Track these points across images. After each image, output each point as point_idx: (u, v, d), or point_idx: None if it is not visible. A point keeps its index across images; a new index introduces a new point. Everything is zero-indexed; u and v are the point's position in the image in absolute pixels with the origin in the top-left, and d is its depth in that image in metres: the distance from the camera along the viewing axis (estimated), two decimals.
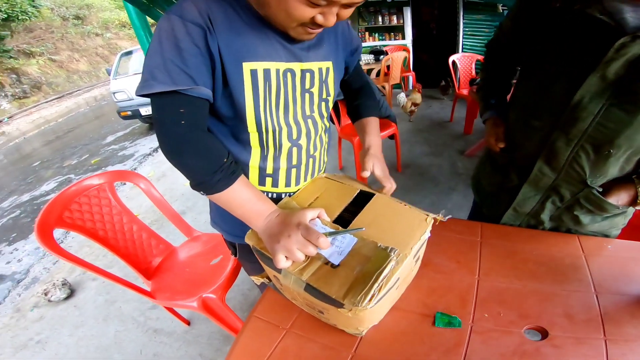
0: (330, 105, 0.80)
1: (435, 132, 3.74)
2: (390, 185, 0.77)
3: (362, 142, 0.83)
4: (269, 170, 0.74)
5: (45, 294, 1.90)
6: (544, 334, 0.62)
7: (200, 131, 0.59)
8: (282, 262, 0.57)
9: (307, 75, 0.69)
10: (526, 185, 0.85)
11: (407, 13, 4.92)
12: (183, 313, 1.66)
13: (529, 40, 0.80)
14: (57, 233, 2.41)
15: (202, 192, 0.61)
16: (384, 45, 5.00)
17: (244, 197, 0.62)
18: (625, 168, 0.75)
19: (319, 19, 0.54)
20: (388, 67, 4.14)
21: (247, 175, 0.73)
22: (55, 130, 6.39)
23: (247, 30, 0.59)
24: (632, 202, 0.78)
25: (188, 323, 1.65)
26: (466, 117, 3.58)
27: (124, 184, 3.14)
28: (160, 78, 0.54)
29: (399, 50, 4.50)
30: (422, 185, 2.72)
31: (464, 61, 3.72)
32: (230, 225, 0.84)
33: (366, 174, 0.76)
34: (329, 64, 0.73)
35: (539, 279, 0.74)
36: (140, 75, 0.57)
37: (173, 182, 3.21)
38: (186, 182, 2.31)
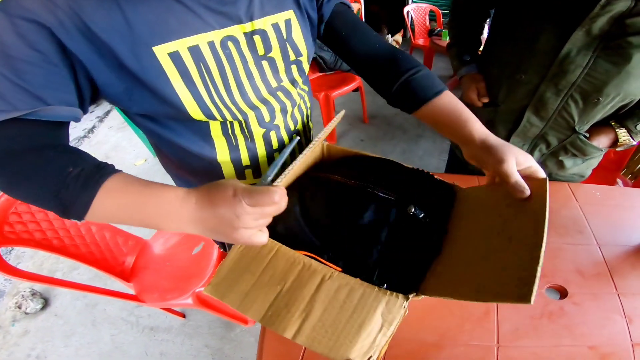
0: (306, 66, 0.63)
1: None
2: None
3: (463, 136, 0.53)
4: (245, 161, 0.61)
5: (19, 307, 1.75)
6: (563, 292, 0.66)
7: (34, 149, 0.40)
8: (259, 239, 0.41)
9: (257, 38, 0.52)
10: (514, 137, 0.89)
11: None
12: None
13: None
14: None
15: (73, 219, 0.41)
16: None
17: (123, 203, 0.39)
18: (608, 113, 0.79)
19: None
20: None
21: (219, 173, 0.60)
22: None
23: (144, 3, 0.41)
24: (613, 145, 0.84)
25: (183, 316, 1.58)
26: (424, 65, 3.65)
27: None
28: None
29: (350, 3, 4.28)
30: (391, 134, 2.75)
31: (418, 12, 3.75)
32: None
33: (527, 191, 0.46)
34: (289, 14, 0.55)
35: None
36: None
37: (120, 163, 2.85)
38: (138, 161, 2.08)
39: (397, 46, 3.95)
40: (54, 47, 0.38)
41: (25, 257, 2.14)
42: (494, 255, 0.45)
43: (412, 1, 4.67)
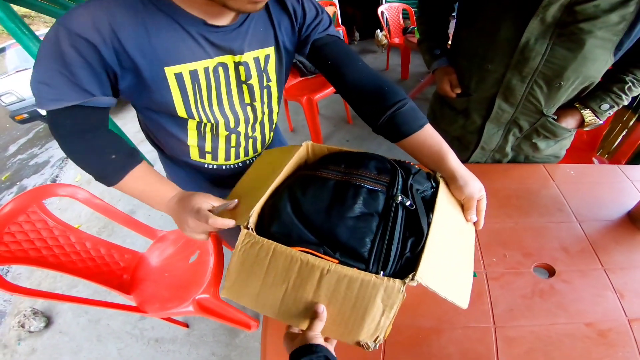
0: (275, 91, 0.76)
1: None
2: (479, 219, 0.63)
3: (441, 170, 0.63)
4: (208, 148, 0.76)
5: (22, 326, 1.72)
6: (551, 271, 0.68)
7: (87, 131, 0.59)
8: (197, 238, 0.60)
9: (241, 68, 0.66)
10: (489, 123, 0.93)
11: None
12: (178, 316, 1.57)
13: None
14: None
15: (108, 185, 0.62)
16: None
17: (139, 188, 0.63)
18: (571, 95, 0.84)
19: None
20: None
21: (187, 152, 0.76)
22: None
23: (165, 31, 0.55)
24: (580, 125, 0.89)
25: (187, 326, 1.57)
26: (401, 64, 3.72)
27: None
28: (49, 94, 0.52)
29: (326, 6, 4.32)
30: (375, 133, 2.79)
31: (391, 11, 3.80)
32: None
33: (474, 218, 0.61)
34: (270, 50, 0.68)
35: (527, 213, 0.80)
36: (30, 78, 0.53)
37: None
38: None
39: (383, 46, 4.04)
40: (97, 58, 0.51)
41: (22, 278, 2.12)
42: (455, 255, 0.56)
43: (386, 1, 4.73)
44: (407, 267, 0.51)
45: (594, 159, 1.46)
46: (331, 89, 2.52)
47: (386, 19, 3.74)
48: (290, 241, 0.54)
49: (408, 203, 0.55)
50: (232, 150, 0.79)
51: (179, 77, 0.59)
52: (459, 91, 0.95)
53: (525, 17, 0.72)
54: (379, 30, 4.39)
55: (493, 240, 0.75)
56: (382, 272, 0.50)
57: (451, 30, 1.01)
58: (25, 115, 3.94)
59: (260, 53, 0.66)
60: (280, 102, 0.83)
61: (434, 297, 0.63)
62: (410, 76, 3.82)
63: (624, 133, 1.44)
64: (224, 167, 0.82)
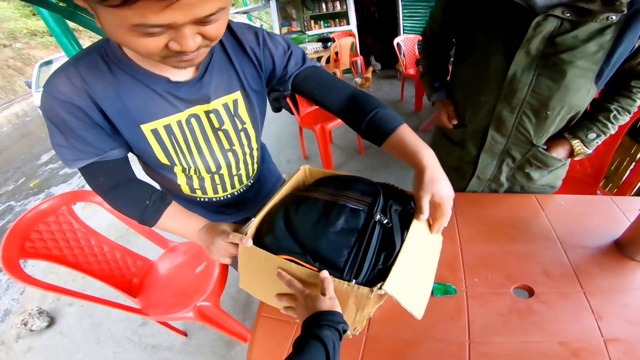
0: (252, 132, 0.78)
1: None
2: (443, 222, 0.64)
3: (413, 166, 0.64)
4: (196, 186, 0.82)
5: (25, 324, 1.78)
6: (531, 292, 0.70)
7: (120, 182, 0.67)
8: (223, 261, 0.69)
9: (212, 116, 0.69)
10: (483, 154, 0.96)
11: None
12: (178, 324, 1.62)
13: (460, 26, 0.89)
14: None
15: (148, 226, 0.71)
16: (330, 32, 5.02)
17: (174, 226, 0.72)
18: (560, 125, 0.87)
19: (173, 46, 0.45)
20: (337, 53, 4.19)
21: (179, 189, 0.82)
22: None
23: (135, 92, 0.59)
24: (570, 155, 0.91)
25: (185, 334, 1.60)
26: (416, 95, 3.78)
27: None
28: (70, 156, 0.60)
29: (345, 36, 4.56)
30: (386, 163, 2.84)
31: (407, 43, 3.89)
32: None
33: (423, 217, 0.61)
34: (236, 95, 0.70)
35: (513, 240, 0.83)
36: None
37: None
38: None
39: (364, 82, 4.06)
40: (90, 120, 0.57)
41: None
42: (421, 269, 0.63)
43: (403, 32, 4.91)
44: (379, 277, 0.57)
45: (598, 192, 1.45)
46: None
47: (402, 50, 3.85)
48: (280, 250, 0.62)
49: (385, 221, 0.62)
50: (219, 187, 0.84)
51: (155, 132, 0.64)
52: (455, 122, 0.99)
53: (512, 50, 0.76)
54: (356, 78, 4.43)
55: (477, 262, 0.78)
56: (354, 280, 0.57)
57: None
58: None
59: (228, 99, 0.69)
60: (259, 139, 0.86)
61: None
62: (424, 108, 3.89)
63: (632, 166, 1.42)
64: (214, 199, 0.87)
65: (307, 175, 0.83)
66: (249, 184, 0.91)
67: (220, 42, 0.65)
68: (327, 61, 4.17)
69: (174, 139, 0.67)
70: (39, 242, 1.11)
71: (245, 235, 0.62)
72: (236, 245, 0.64)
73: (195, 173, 0.76)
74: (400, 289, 0.54)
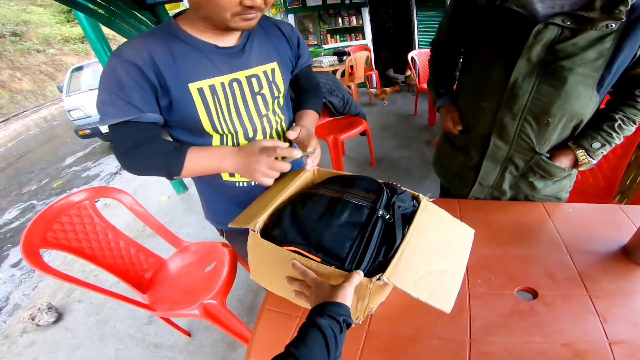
0: (282, 100, 0.89)
1: (402, 126, 3.90)
2: (315, 146, 0.81)
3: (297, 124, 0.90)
4: None
5: (32, 319, 1.81)
6: (534, 294, 0.70)
7: (145, 143, 0.70)
8: (267, 182, 0.72)
9: (254, 80, 0.78)
10: (486, 160, 0.96)
11: (365, 13, 5.06)
12: (182, 324, 1.64)
13: (465, 35, 0.92)
14: None
15: (175, 177, 0.74)
16: (346, 46, 5.13)
17: (202, 160, 0.74)
18: (563, 134, 0.87)
19: (246, 1, 0.60)
20: (352, 67, 4.27)
21: (218, 174, 0.87)
22: (6, 156, 5.85)
23: (187, 56, 0.69)
24: (574, 165, 0.90)
25: (189, 334, 1.62)
26: (429, 110, 3.79)
27: (96, 200, 3.00)
28: (110, 112, 0.65)
29: (361, 50, 4.65)
30: (397, 176, 2.85)
31: (421, 57, 3.90)
32: (219, 216, 0.98)
33: (291, 134, 0.82)
34: (274, 64, 0.81)
35: (517, 244, 0.83)
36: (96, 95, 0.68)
37: (146, 198, 3.10)
38: (161, 197, 2.35)
39: (412, 86, 4.25)
40: (143, 77, 0.65)
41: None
42: (435, 261, 0.63)
43: (418, 47, 4.97)
44: (379, 269, 0.59)
45: None
46: (357, 130, 2.64)
47: (417, 64, 3.87)
48: (285, 242, 0.65)
49: (387, 216, 0.65)
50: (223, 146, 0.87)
51: (200, 91, 0.71)
52: (460, 128, 1.00)
53: (513, 58, 0.78)
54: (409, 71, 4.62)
55: (480, 264, 0.78)
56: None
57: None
58: (88, 131, 4.47)
59: (267, 67, 0.80)
60: (286, 113, 0.97)
61: (414, 307, 0.69)
62: (437, 122, 3.89)
63: None
64: (252, 183, 0.88)
65: (316, 175, 0.87)
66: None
67: (259, 24, 0.74)
68: (342, 74, 4.23)
69: (216, 99, 0.73)
70: (60, 234, 1.17)
71: (254, 230, 0.66)
72: (281, 161, 0.70)
73: (232, 143, 0.81)
74: (405, 280, 0.55)
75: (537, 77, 0.78)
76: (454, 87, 1.10)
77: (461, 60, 1.05)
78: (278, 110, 0.87)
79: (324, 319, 0.50)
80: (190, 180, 3.32)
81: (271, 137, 0.88)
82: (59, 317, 1.89)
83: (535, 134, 0.86)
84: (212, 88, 0.72)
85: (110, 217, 2.76)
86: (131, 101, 0.65)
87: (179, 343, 1.61)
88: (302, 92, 1.00)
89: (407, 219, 0.66)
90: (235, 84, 0.75)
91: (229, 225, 0.74)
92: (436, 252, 0.64)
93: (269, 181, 0.72)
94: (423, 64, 3.91)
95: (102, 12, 1.90)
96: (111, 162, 4.47)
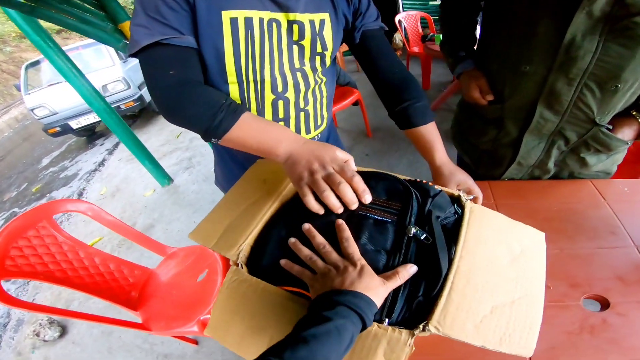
0: (328, 60, 0.74)
1: None
2: (478, 192, 0.67)
3: (427, 160, 0.72)
4: None
5: (37, 335, 1.77)
6: (604, 303, 0.57)
7: (193, 80, 0.58)
8: (312, 202, 0.50)
9: (295, 27, 0.65)
10: (528, 135, 0.81)
11: None
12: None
13: None
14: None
15: (213, 140, 0.58)
16: None
17: (254, 128, 0.57)
18: (630, 101, 0.72)
19: None
20: None
21: None
22: None
23: None
24: (638, 136, 0.76)
25: (196, 342, 1.54)
26: (422, 74, 3.62)
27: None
28: (143, 34, 0.55)
29: None
30: (396, 146, 2.70)
31: (409, 20, 3.71)
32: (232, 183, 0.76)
33: (476, 192, 0.66)
34: (325, 15, 0.67)
35: (573, 238, 0.69)
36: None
37: (131, 194, 2.90)
38: (146, 192, 2.12)
39: (399, 50, 3.99)
40: None
41: (44, 287, 2.19)
42: (501, 289, 0.45)
43: (403, 9, 4.71)
44: (418, 313, 0.43)
45: None
46: (349, 101, 2.47)
47: (404, 27, 3.68)
48: (282, 278, 0.48)
49: (423, 236, 0.47)
50: (281, 124, 0.70)
51: (233, 22, 0.59)
52: (490, 98, 0.83)
53: (568, 11, 0.62)
54: (396, 34, 4.34)
55: None
56: (386, 319, 0.43)
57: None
58: (58, 129, 4.17)
59: (316, 17, 0.66)
60: (332, 82, 0.80)
61: None
62: (432, 86, 3.72)
63: None
64: None
65: None
66: (316, 138, 0.80)
67: None
68: None
69: (250, 35, 0.61)
70: (20, 260, 1.00)
71: (236, 265, 0.49)
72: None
73: (255, 95, 0.67)
74: (462, 326, 0.40)
75: (603, 35, 0.62)
76: (475, 48, 0.92)
77: (480, 16, 0.86)
78: (320, 68, 0.73)
79: (341, 309, 0.38)
80: (174, 170, 3.13)
81: (305, 98, 0.72)
82: (63, 331, 1.83)
83: (597, 102, 0.70)
84: (249, 21, 0.60)
85: (92, 223, 2.60)
86: (167, 22, 0.55)
87: (188, 352, 1.55)
88: (393, 87, 0.74)
89: (450, 233, 0.49)
90: (274, 25, 0.63)
91: (189, 236, 0.56)
92: (500, 277, 0.47)
93: (308, 199, 0.50)
94: (411, 27, 3.72)
95: (22, 1, 1.53)
96: (89, 159, 4.21)
